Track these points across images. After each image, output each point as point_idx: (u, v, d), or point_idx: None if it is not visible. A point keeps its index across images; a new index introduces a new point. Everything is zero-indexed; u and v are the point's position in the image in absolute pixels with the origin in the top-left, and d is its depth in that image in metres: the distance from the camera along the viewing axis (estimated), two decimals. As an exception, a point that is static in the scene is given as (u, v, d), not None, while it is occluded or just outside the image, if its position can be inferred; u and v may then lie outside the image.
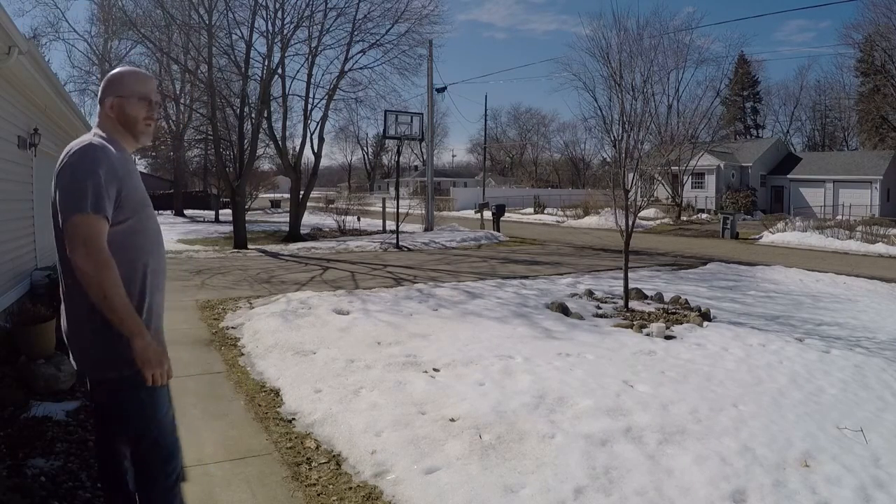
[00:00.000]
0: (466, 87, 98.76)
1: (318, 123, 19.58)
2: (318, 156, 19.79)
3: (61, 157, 1.97)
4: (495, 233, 20.68)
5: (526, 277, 10.56)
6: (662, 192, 32.66)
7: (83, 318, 1.96)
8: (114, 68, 2.35)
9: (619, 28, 8.87)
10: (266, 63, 17.14)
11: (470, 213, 32.29)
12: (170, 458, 2.12)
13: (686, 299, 7.91)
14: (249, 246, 16.06)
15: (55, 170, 1.98)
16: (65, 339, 2.08)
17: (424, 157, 36.15)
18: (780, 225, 21.40)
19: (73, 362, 2.09)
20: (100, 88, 2.16)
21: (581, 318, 6.98)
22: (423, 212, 22.33)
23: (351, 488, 3.06)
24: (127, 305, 1.87)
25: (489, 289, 8.94)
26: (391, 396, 4.20)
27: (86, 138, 2.00)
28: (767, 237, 20.36)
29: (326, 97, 19.13)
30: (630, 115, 7.71)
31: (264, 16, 16.91)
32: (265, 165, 34.04)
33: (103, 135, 2.05)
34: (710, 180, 36.93)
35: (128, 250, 1.99)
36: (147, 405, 2.03)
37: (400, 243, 16.40)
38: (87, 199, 1.85)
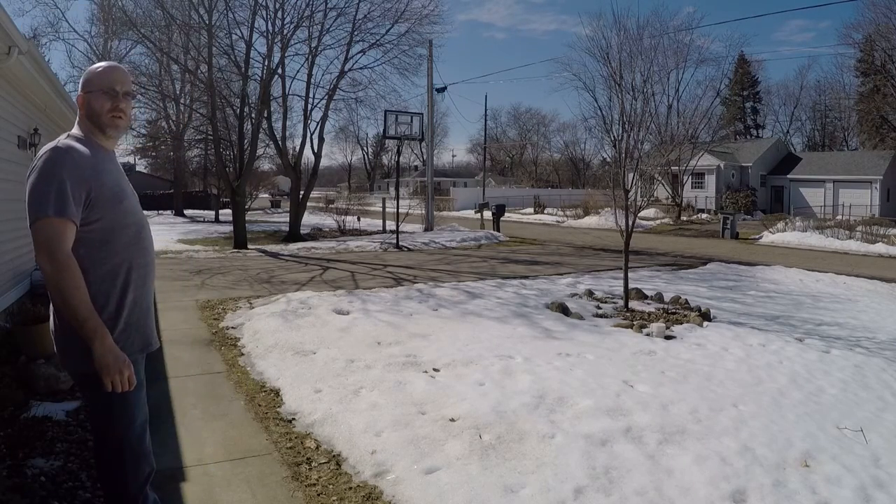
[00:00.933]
0: (466, 87, 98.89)
1: (318, 123, 19.61)
2: (318, 156, 19.80)
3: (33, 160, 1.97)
4: (495, 233, 20.68)
5: (526, 277, 10.56)
6: (662, 192, 32.66)
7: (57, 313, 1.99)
8: None
9: (619, 28, 8.87)
10: (266, 63, 17.15)
11: (470, 213, 32.29)
12: (137, 462, 2.09)
13: (686, 299, 7.91)
14: (249, 246, 16.06)
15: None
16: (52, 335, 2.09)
17: (424, 157, 36.20)
18: (780, 225, 21.40)
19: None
20: None
21: (581, 318, 6.99)
22: (423, 212, 22.33)
23: (351, 488, 3.06)
24: (87, 309, 1.86)
25: (489, 289, 8.94)
26: (391, 396, 4.20)
27: (55, 140, 2.00)
28: (767, 237, 20.36)
29: (326, 97, 19.14)
30: (630, 115, 7.70)
31: (264, 16, 16.94)
32: (265, 165, 34.07)
33: (79, 134, 2.05)
34: (710, 180, 36.94)
35: (106, 247, 1.99)
36: (116, 405, 2.01)
37: (400, 243, 16.40)
38: (49, 203, 1.85)
